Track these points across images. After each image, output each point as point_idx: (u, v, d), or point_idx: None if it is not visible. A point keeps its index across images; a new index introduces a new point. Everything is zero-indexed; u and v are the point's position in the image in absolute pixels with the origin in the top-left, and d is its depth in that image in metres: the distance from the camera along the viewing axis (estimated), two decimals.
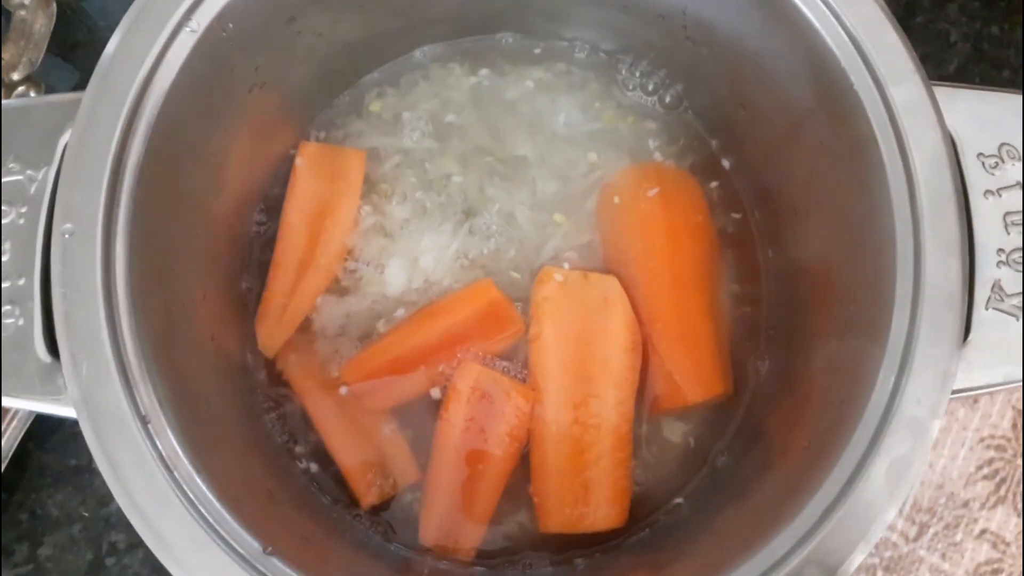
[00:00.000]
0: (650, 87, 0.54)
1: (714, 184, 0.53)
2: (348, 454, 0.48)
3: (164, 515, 0.34)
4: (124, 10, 0.58)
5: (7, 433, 0.49)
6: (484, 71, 0.54)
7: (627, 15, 0.50)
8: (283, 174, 0.51)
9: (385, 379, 0.48)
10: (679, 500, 0.48)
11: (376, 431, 0.48)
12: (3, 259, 0.37)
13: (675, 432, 0.50)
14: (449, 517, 0.46)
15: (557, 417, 0.47)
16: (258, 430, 0.48)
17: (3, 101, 0.39)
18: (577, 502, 0.46)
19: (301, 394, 0.49)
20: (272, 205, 0.51)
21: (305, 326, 0.50)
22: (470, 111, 0.54)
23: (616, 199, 0.51)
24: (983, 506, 0.53)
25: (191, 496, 0.34)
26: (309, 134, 0.53)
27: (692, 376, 0.48)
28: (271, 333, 0.49)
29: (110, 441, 0.34)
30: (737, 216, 0.52)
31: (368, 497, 0.47)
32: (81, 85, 0.58)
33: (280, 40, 0.44)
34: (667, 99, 0.54)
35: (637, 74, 0.54)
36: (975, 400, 0.54)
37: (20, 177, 0.38)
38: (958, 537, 0.52)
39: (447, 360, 0.48)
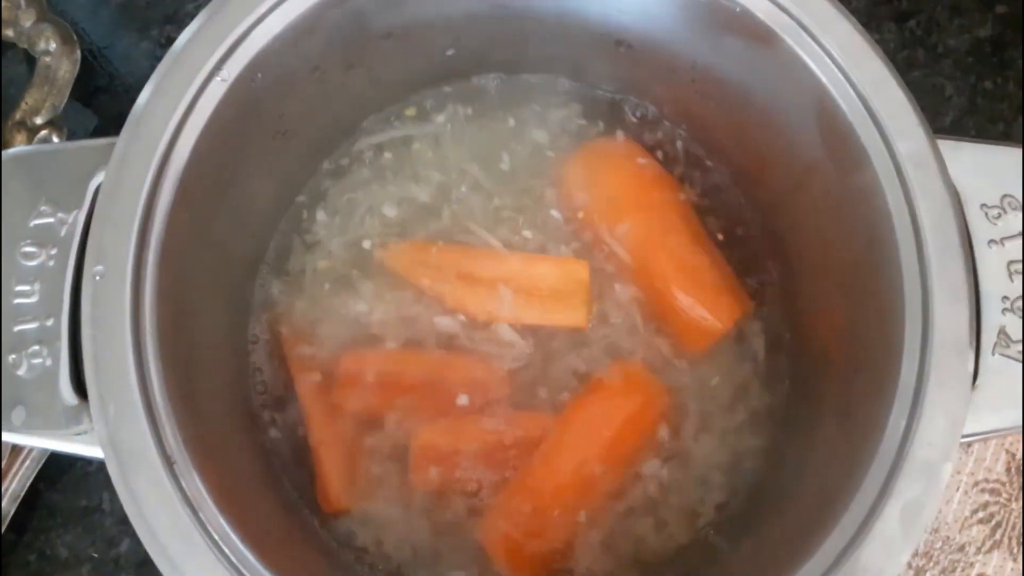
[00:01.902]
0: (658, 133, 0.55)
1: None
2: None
3: (188, 555, 0.34)
4: (145, 57, 0.61)
5: (20, 473, 0.49)
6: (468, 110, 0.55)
7: (637, 68, 0.52)
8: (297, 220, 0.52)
9: None
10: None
11: None
12: (32, 300, 0.37)
13: (681, 483, 0.50)
14: None
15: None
16: (270, 473, 0.48)
17: (36, 146, 0.40)
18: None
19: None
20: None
21: None
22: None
23: (580, 171, 0.53)
24: (979, 550, 0.53)
25: (215, 536, 0.34)
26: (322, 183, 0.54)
27: (713, 305, 0.49)
28: None
29: (136, 481, 0.34)
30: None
31: None
32: (101, 129, 0.60)
33: (304, 88, 0.46)
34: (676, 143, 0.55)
35: (638, 115, 0.55)
36: (968, 444, 0.54)
37: (51, 220, 0.39)
38: None
39: None
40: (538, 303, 0.50)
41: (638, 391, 0.49)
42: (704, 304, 0.49)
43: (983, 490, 0.54)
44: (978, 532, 0.53)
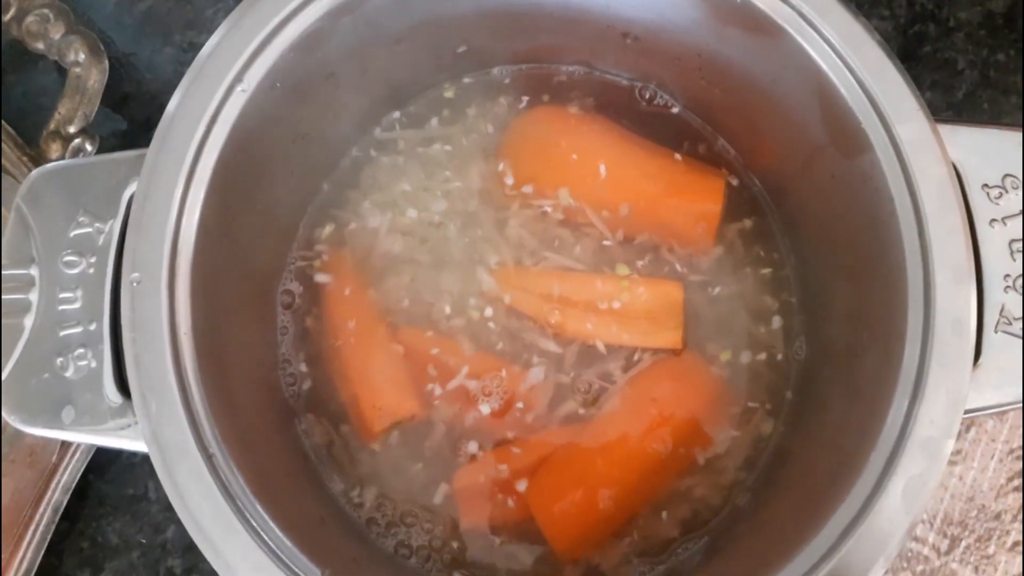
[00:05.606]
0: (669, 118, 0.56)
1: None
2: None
3: (229, 541, 0.36)
4: (169, 63, 0.63)
5: (71, 466, 0.52)
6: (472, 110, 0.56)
7: (644, 57, 0.53)
8: (317, 214, 0.54)
9: None
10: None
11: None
12: (76, 306, 0.40)
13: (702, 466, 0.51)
14: None
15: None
16: (302, 462, 0.50)
17: (73, 159, 0.42)
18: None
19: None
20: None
21: None
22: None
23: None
24: (1015, 518, 0.53)
25: (253, 523, 0.37)
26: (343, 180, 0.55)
27: (696, 191, 0.52)
28: None
29: (178, 473, 0.37)
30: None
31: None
32: (130, 134, 0.62)
33: (320, 94, 0.48)
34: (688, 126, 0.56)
35: (647, 95, 0.56)
36: (1003, 412, 0.54)
37: (90, 229, 0.41)
38: (991, 550, 0.53)
39: None
40: (633, 325, 0.50)
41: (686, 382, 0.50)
42: (688, 194, 0.52)
43: (1018, 458, 0.53)
44: (1014, 500, 0.53)
